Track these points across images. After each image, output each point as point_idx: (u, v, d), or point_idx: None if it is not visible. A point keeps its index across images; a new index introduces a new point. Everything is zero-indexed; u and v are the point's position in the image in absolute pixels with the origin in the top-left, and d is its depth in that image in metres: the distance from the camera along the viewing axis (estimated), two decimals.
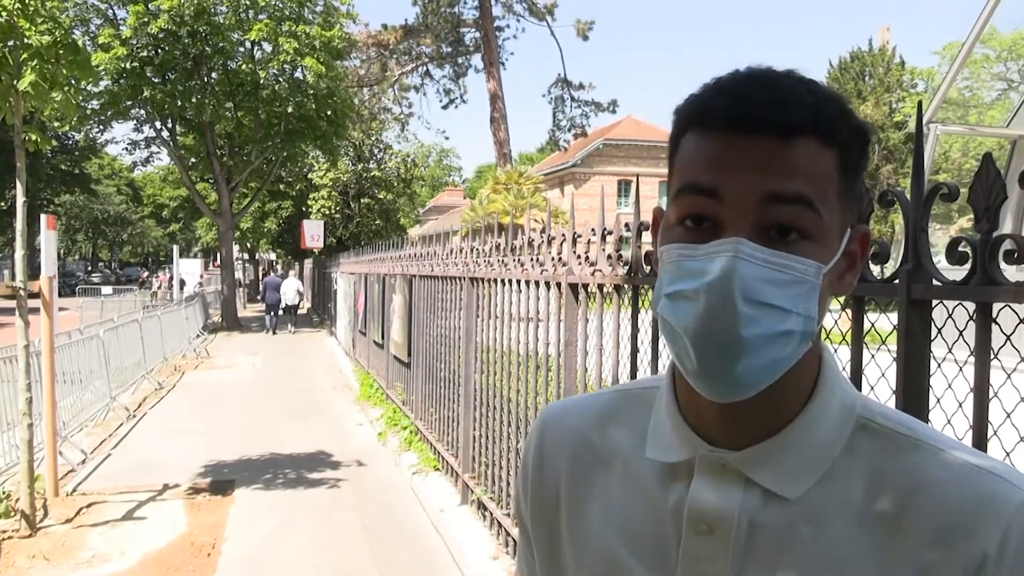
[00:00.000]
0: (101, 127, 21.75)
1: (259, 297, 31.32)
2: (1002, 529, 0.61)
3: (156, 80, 19.63)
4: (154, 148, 23.71)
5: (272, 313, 20.91)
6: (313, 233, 24.73)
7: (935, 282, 1.54)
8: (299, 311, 22.61)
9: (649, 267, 2.72)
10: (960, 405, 1.53)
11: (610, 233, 3.11)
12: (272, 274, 26.78)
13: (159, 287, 32.85)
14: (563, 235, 3.65)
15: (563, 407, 0.86)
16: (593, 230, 3.27)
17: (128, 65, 18.74)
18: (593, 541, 0.76)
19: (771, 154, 0.63)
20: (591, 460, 0.79)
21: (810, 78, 0.67)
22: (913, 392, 1.56)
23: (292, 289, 21.99)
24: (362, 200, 28.95)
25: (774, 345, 0.63)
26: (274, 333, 20.21)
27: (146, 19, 18.26)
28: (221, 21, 19.01)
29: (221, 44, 19.34)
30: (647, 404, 0.78)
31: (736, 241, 0.62)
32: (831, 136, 0.64)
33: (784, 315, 0.63)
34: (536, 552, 0.85)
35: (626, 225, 3.00)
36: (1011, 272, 1.43)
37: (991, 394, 1.46)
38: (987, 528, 0.61)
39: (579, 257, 3.45)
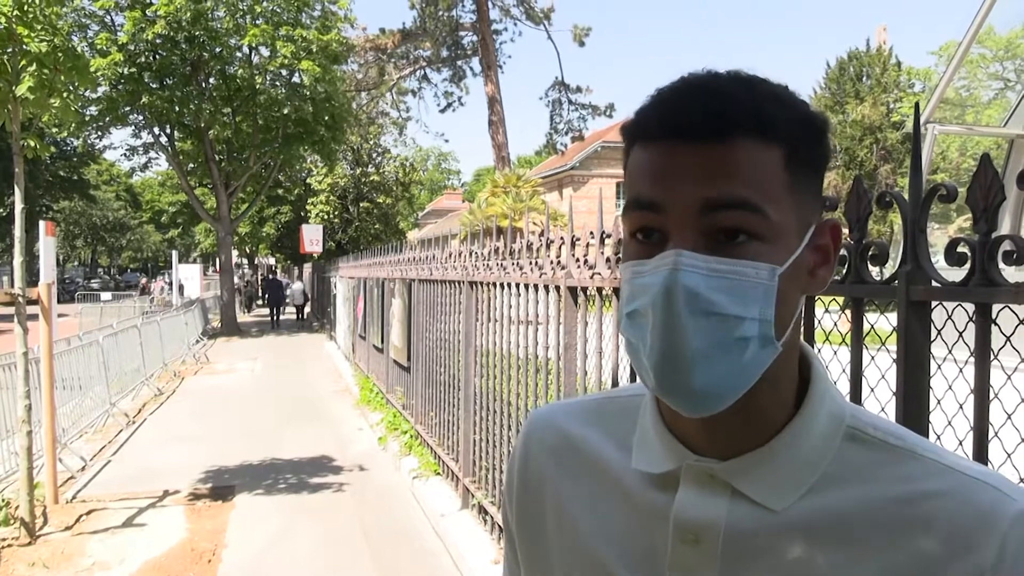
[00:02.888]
0: (99, 133, 21.74)
1: (259, 302, 32.19)
2: (999, 540, 0.60)
3: (154, 86, 19.62)
4: (152, 154, 23.71)
5: (275, 313, 25.55)
6: (312, 237, 24.78)
7: (934, 283, 1.54)
8: (305, 309, 27.30)
9: None
10: (960, 407, 1.53)
11: (608, 236, 3.10)
12: (273, 276, 30.29)
13: (160, 292, 32.86)
14: (562, 238, 3.64)
15: (548, 412, 0.85)
16: (592, 233, 3.26)
17: (126, 71, 18.74)
18: (581, 549, 0.75)
19: (708, 159, 0.62)
20: (577, 466, 0.79)
21: (753, 76, 0.65)
22: (913, 393, 1.56)
23: (298, 290, 26.95)
24: (361, 204, 28.98)
25: (730, 354, 0.61)
26: (277, 324, 24.73)
27: (143, 25, 18.27)
28: (218, 26, 19.02)
29: (219, 49, 19.35)
30: (632, 412, 0.77)
31: (676, 253, 0.61)
32: (772, 132, 0.62)
33: (736, 322, 0.61)
34: (521, 557, 0.84)
35: None
36: (1010, 273, 1.43)
37: (992, 395, 1.46)
38: (984, 540, 0.61)
39: (578, 260, 3.45)
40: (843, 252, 1.71)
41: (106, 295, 29.41)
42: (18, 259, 5.04)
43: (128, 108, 20.03)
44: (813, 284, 0.68)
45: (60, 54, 4.81)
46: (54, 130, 18.72)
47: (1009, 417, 1.51)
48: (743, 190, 0.61)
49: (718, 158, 0.62)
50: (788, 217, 0.64)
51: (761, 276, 0.62)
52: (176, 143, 22.69)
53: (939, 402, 1.58)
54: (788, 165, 0.63)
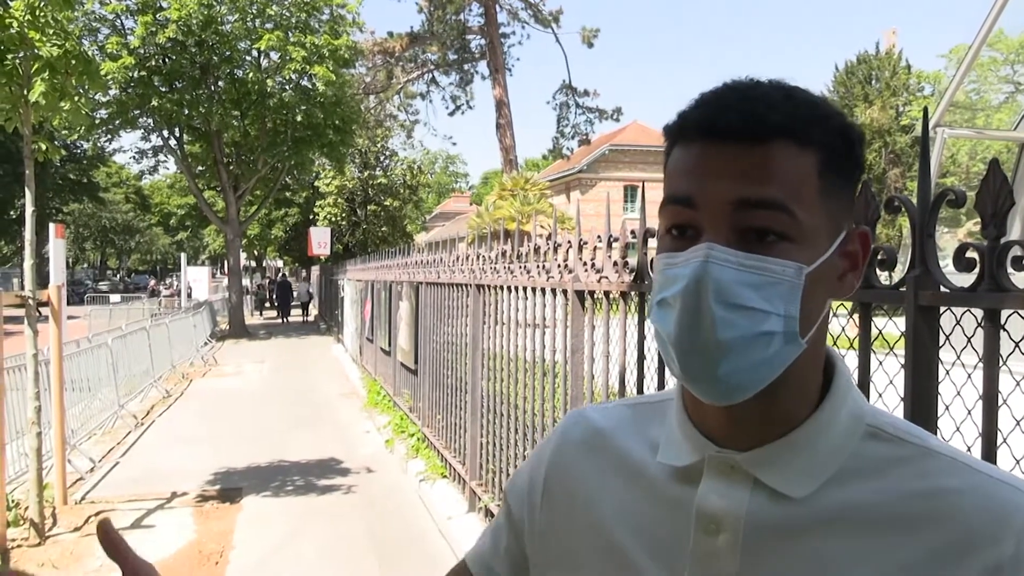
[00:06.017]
0: (109, 136, 21.87)
1: (267, 303, 32.58)
2: (1016, 538, 0.62)
3: (164, 89, 19.72)
4: (162, 156, 23.88)
5: (283, 311, 28.51)
6: (320, 240, 24.86)
7: (943, 288, 1.53)
8: (310, 307, 30.52)
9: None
10: (969, 412, 1.52)
11: (616, 240, 3.11)
12: (283, 278, 33.12)
13: (170, 294, 33.03)
14: (569, 242, 3.64)
15: (584, 409, 0.89)
16: (599, 237, 3.26)
17: (136, 74, 18.85)
18: (605, 538, 0.77)
19: (743, 160, 0.64)
20: (606, 461, 0.81)
21: (792, 84, 0.67)
22: (921, 399, 1.56)
23: (304, 289, 30.52)
24: (368, 207, 29.06)
25: (755, 347, 0.63)
26: (287, 321, 27.62)
27: (154, 29, 18.38)
28: (228, 30, 19.11)
29: (228, 53, 19.44)
30: (661, 414, 0.79)
31: (707, 246, 0.63)
32: (807, 138, 0.65)
33: (762, 316, 0.63)
34: (541, 548, 0.84)
35: (632, 231, 3.00)
36: (1019, 278, 1.43)
37: (1000, 401, 1.45)
38: (1001, 537, 0.62)
39: (585, 264, 3.45)
40: None
41: (115, 297, 29.57)
42: (28, 261, 5.07)
43: (138, 111, 20.15)
44: (841, 289, 0.70)
45: (71, 58, 4.84)
46: (64, 133, 18.78)
47: (1018, 423, 1.50)
48: (776, 191, 0.64)
49: (754, 159, 0.64)
50: (818, 221, 0.66)
51: (787, 274, 0.64)
52: (185, 146, 22.80)
53: (947, 408, 1.58)
54: (821, 171, 0.65)
